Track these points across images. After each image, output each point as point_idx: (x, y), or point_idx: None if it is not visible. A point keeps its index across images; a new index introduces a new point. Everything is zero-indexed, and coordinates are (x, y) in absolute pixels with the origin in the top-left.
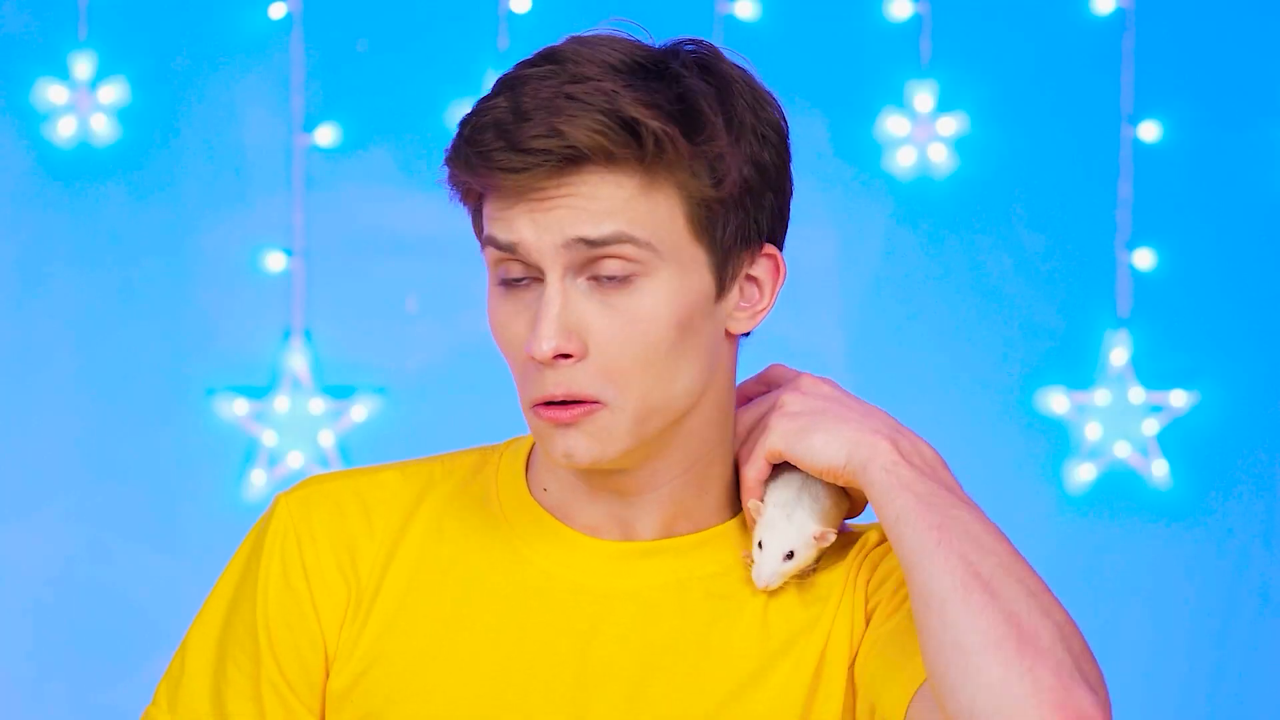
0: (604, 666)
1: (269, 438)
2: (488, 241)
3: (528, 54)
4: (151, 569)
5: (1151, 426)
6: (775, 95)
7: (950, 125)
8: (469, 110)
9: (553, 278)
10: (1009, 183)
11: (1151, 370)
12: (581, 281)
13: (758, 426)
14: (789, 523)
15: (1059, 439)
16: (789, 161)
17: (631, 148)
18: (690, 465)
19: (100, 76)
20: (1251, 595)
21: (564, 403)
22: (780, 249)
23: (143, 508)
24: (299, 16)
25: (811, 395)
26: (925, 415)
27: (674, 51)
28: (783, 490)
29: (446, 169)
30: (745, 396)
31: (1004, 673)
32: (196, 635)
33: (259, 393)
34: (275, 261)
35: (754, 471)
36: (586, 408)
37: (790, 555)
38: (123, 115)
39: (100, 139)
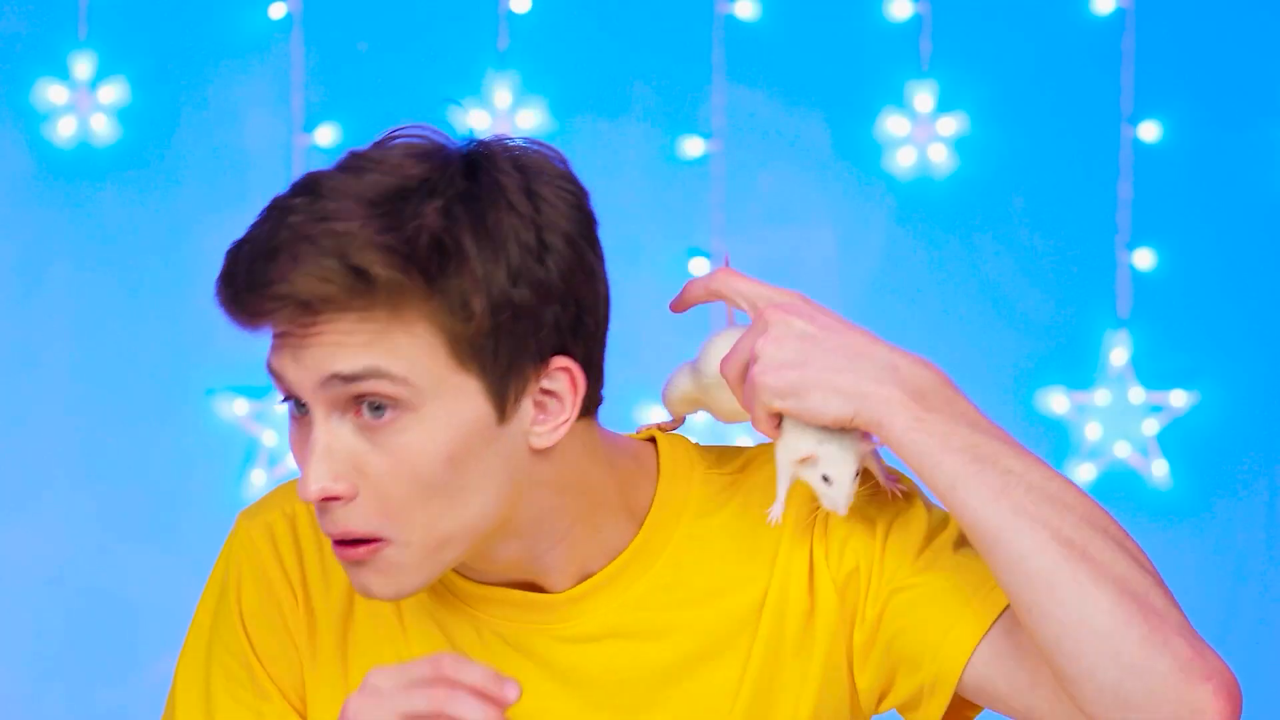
0: (594, 708)
1: (269, 438)
2: (266, 367)
3: (528, 54)
4: (151, 569)
5: (1151, 426)
6: (575, 184)
7: (950, 125)
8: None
9: (318, 416)
10: (1009, 183)
11: (1151, 370)
12: (348, 418)
13: (746, 382)
14: (840, 446)
15: (1059, 439)
16: (592, 259)
17: (363, 295)
18: (565, 533)
19: (100, 76)
20: (1252, 595)
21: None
22: (585, 354)
23: (142, 508)
24: (299, 16)
25: (787, 339)
26: None
27: (445, 163)
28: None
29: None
30: (690, 302)
31: (1145, 652)
32: (181, 670)
33: (259, 393)
34: None
35: (769, 429)
36: (371, 546)
37: (858, 473)
38: (123, 115)
39: (100, 139)
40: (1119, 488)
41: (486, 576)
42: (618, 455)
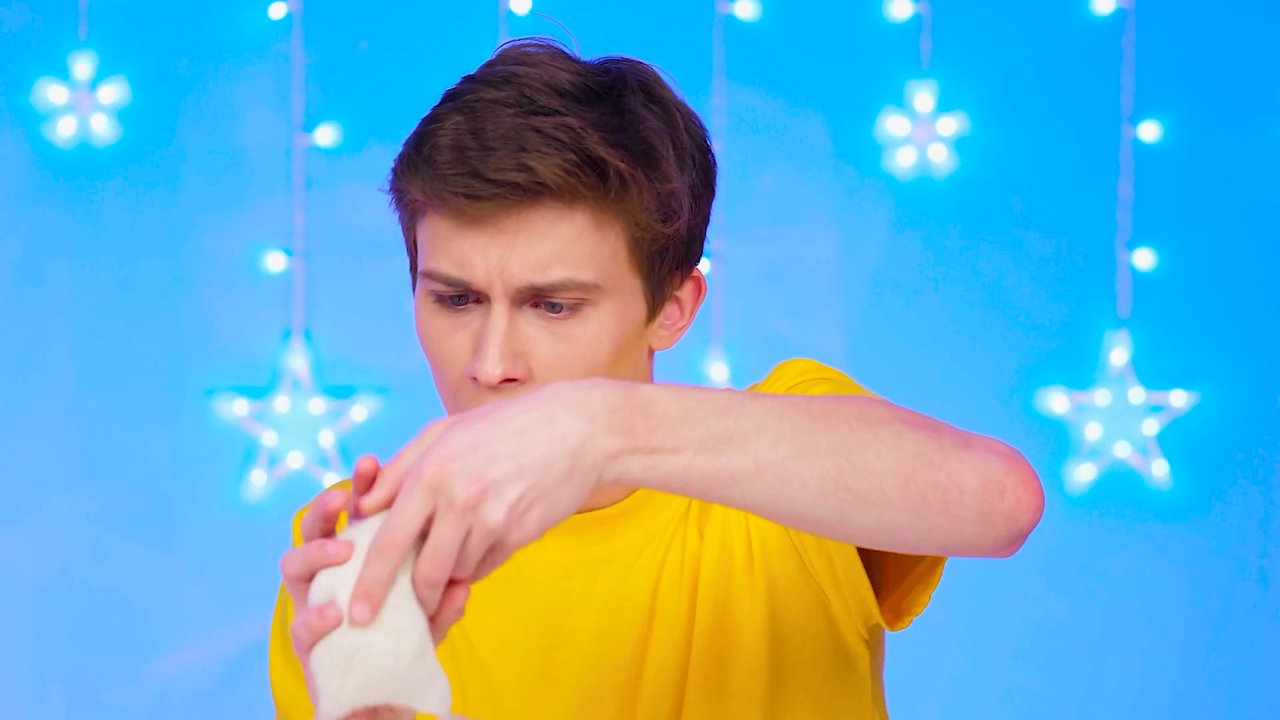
0: (569, 632)
1: (269, 438)
2: (430, 274)
3: None
4: (151, 569)
5: (1151, 426)
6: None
7: (950, 125)
8: (422, 123)
9: (499, 307)
10: (1009, 183)
11: (1151, 370)
12: (527, 309)
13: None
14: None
15: (1059, 439)
16: (714, 176)
17: (597, 187)
18: None
19: (100, 76)
20: (1250, 595)
21: None
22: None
23: (142, 508)
24: (299, 16)
25: (444, 441)
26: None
27: (619, 76)
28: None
29: (395, 178)
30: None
31: (951, 514)
32: (271, 650)
33: (259, 393)
34: (275, 261)
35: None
36: None
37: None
38: (123, 115)
39: (100, 139)
40: (1119, 488)
41: None
42: None
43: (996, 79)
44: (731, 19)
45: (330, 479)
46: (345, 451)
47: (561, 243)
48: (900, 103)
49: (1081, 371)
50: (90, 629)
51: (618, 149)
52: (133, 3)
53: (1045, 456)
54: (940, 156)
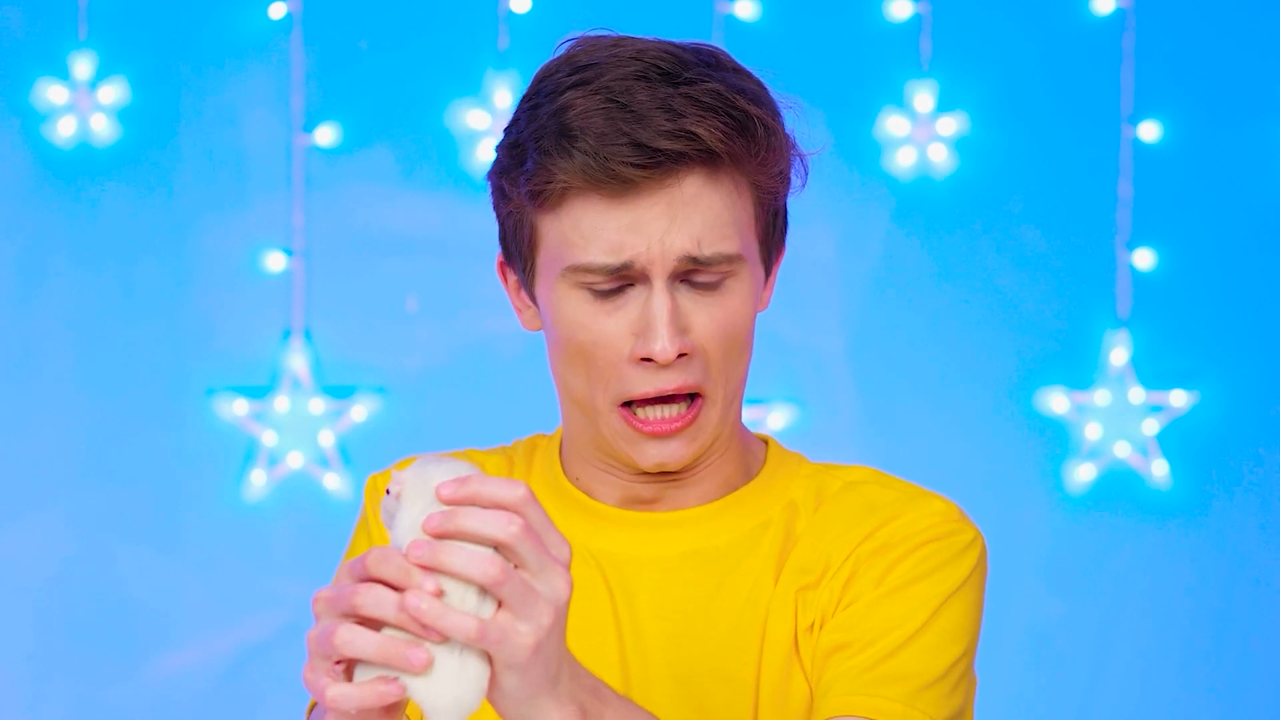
0: (637, 628)
1: (269, 438)
2: (584, 268)
3: (527, 54)
4: (152, 569)
5: (1151, 426)
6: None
7: (950, 125)
8: (538, 107)
9: (659, 285)
10: (1009, 183)
11: (1151, 370)
12: (681, 285)
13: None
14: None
15: (1059, 439)
16: None
17: (748, 149)
18: (727, 447)
19: (100, 76)
20: (1250, 594)
21: (669, 399)
22: None
23: (143, 508)
24: (299, 16)
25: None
26: (925, 415)
27: (707, 49)
28: None
29: (531, 169)
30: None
31: None
32: None
33: (259, 393)
34: (275, 261)
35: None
36: (695, 406)
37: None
38: (123, 115)
39: (100, 139)
40: (1119, 488)
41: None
42: None
43: (996, 79)
44: (731, 19)
45: (330, 479)
46: (345, 451)
47: (714, 211)
48: (900, 103)
49: (1081, 371)
50: (90, 629)
51: (764, 107)
52: (133, 3)
53: (1045, 456)
54: (940, 156)
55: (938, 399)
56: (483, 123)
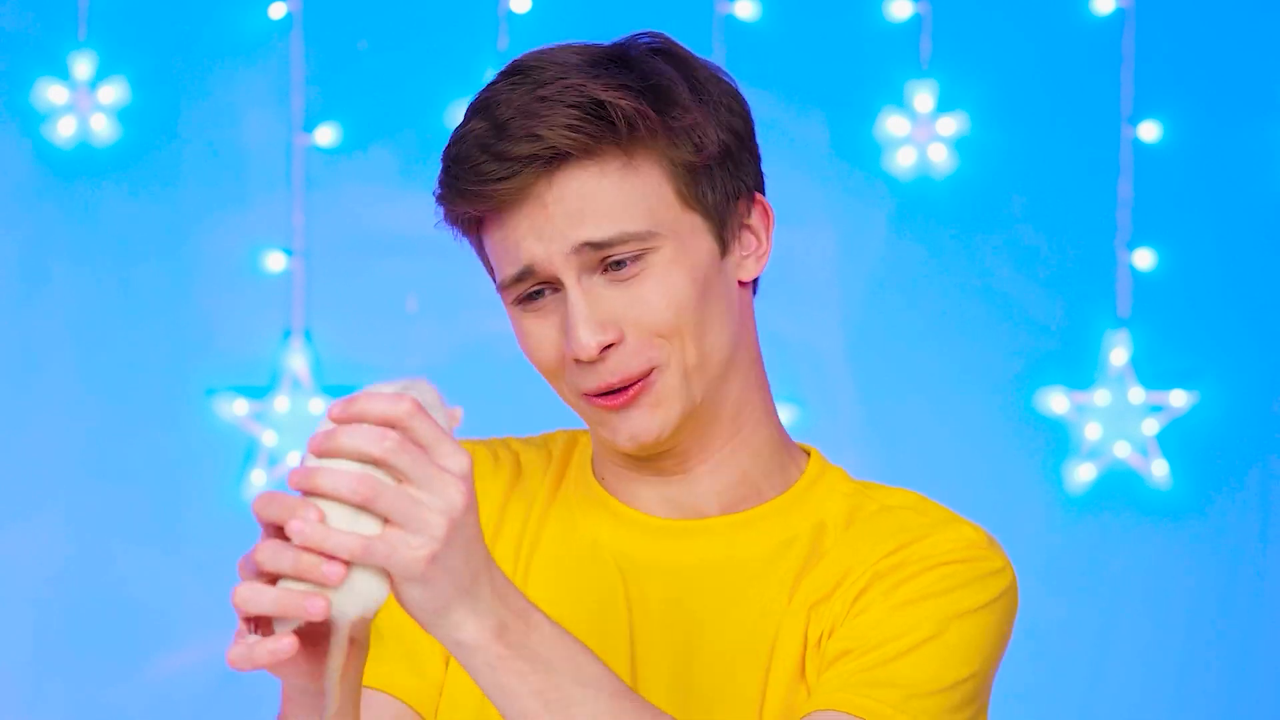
0: (649, 634)
1: (269, 438)
2: (502, 284)
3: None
4: (152, 569)
5: (1151, 426)
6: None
7: (950, 125)
8: (447, 143)
9: (570, 281)
10: (1009, 183)
11: (1151, 370)
12: (597, 276)
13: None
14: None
15: (1059, 439)
16: (747, 109)
17: (607, 133)
18: (736, 432)
19: (100, 76)
20: (1250, 595)
21: (621, 389)
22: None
23: (143, 508)
24: (299, 16)
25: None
26: (925, 415)
27: (630, 43)
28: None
29: (441, 206)
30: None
31: None
32: None
33: (259, 393)
34: (275, 261)
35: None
36: (641, 382)
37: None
38: (123, 115)
39: (100, 139)
40: (1119, 488)
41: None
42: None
43: (996, 79)
44: (731, 19)
45: None
46: None
47: (600, 197)
48: (900, 103)
49: (1081, 371)
50: (90, 629)
51: (620, 90)
52: (133, 3)
53: (1045, 456)
54: (940, 156)
55: (938, 399)
56: None
